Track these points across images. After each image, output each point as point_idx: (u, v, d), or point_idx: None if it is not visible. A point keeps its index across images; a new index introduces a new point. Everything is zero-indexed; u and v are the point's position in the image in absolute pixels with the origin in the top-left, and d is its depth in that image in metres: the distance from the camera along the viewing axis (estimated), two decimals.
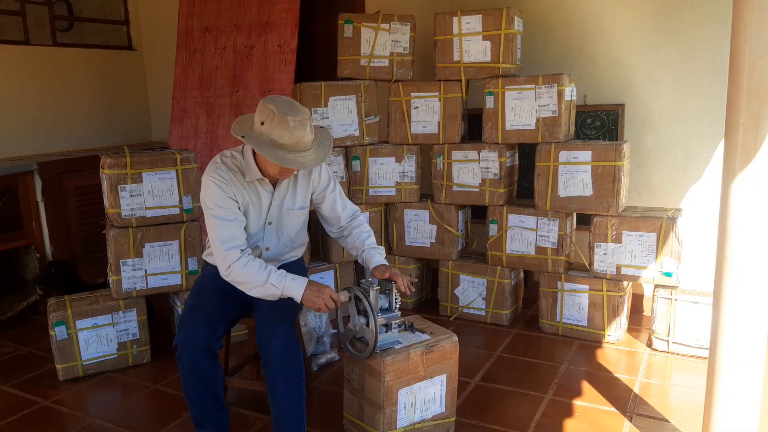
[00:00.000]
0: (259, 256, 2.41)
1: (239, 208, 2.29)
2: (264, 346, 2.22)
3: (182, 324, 2.27)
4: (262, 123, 2.12)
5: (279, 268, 2.38)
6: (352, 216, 2.57)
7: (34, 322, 3.88)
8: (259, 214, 2.37)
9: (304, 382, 2.27)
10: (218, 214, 2.23)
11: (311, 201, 2.50)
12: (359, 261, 2.51)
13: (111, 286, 3.16)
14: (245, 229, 2.32)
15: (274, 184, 2.36)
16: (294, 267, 2.55)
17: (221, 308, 2.34)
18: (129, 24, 5.36)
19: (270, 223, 2.41)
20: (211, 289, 2.40)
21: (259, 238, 2.42)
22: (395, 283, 2.35)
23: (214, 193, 2.23)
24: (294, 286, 2.19)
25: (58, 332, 3.03)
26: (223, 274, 2.24)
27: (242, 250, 2.23)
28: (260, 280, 2.18)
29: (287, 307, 2.31)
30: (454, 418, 2.50)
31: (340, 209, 2.54)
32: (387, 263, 2.43)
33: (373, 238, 2.54)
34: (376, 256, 2.45)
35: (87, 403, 2.90)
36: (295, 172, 2.36)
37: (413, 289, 2.38)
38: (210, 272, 2.49)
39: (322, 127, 2.42)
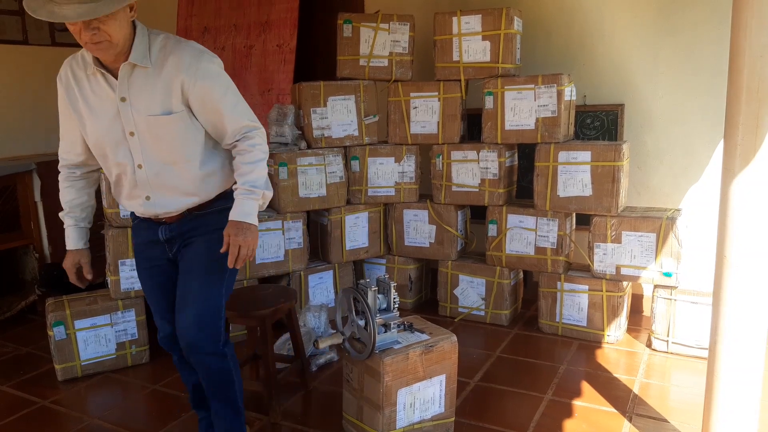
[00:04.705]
0: (134, 184, 2.01)
1: (74, 115, 2.00)
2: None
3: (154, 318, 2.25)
4: None
5: (192, 211, 2.05)
6: (243, 134, 1.98)
7: (32, 323, 3.88)
8: (109, 119, 1.93)
9: (224, 372, 2.09)
10: (60, 122, 2.08)
11: (190, 109, 1.94)
12: None
13: (109, 286, 3.16)
14: (98, 138, 1.98)
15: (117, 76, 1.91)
16: (211, 220, 2.06)
17: (162, 298, 2.16)
18: None
19: (132, 134, 1.94)
20: (145, 278, 2.20)
21: (126, 151, 1.97)
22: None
23: (58, 97, 2.04)
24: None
25: (56, 332, 3.02)
26: None
27: (67, 168, 2.13)
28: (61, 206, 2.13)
29: (201, 287, 2.04)
30: (453, 419, 2.50)
31: (227, 124, 1.96)
32: (240, 220, 1.92)
33: (253, 175, 1.96)
34: (233, 208, 1.95)
35: (86, 404, 2.89)
36: (140, 65, 1.87)
37: (240, 265, 1.94)
38: (135, 249, 2.23)
39: None
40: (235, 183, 1.99)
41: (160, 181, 2.00)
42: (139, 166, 1.98)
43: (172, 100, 1.90)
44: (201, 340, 2.01)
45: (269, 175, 3.56)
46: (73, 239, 2.11)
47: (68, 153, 2.09)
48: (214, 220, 2.06)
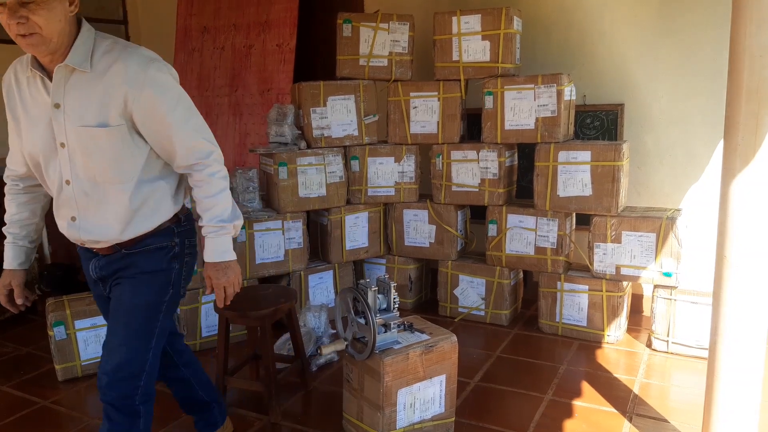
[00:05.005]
0: (61, 202, 1.80)
1: (13, 121, 1.81)
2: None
3: None
4: None
5: (122, 247, 1.81)
6: (198, 159, 1.78)
7: (32, 323, 3.88)
8: (43, 126, 1.73)
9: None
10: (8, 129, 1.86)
11: (133, 124, 1.72)
12: None
13: None
14: (32, 148, 1.77)
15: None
16: (141, 261, 1.82)
17: None
18: (128, 23, 5.35)
19: (62, 145, 1.72)
20: (100, 308, 2.06)
21: (56, 164, 1.76)
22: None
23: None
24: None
25: (56, 332, 3.02)
26: None
27: (11, 179, 1.92)
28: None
29: (125, 338, 1.83)
30: (453, 419, 2.50)
31: (176, 142, 1.74)
32: (217, 261, 1.83)
33: (218, 209, 1.80)
34: (206, 248, 1.84)
35: (86, 404, 2.89)
36: (78, 68, 1.66)
37: (227, 303, 1.90)
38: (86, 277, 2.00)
39: None
40: (200, 218, 1.83)
41: (88, 203, 1.77)
42: (67, 182, 1.75)
43: (110, 111, 1.68)
44: (113, 393, 1.83)
45: (268, 175, 3.58)
46: (8, 258, 1.90)
47: (12, 163, 1.90)
48: (144, 260, 1.84)
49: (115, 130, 1.69)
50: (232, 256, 1.85)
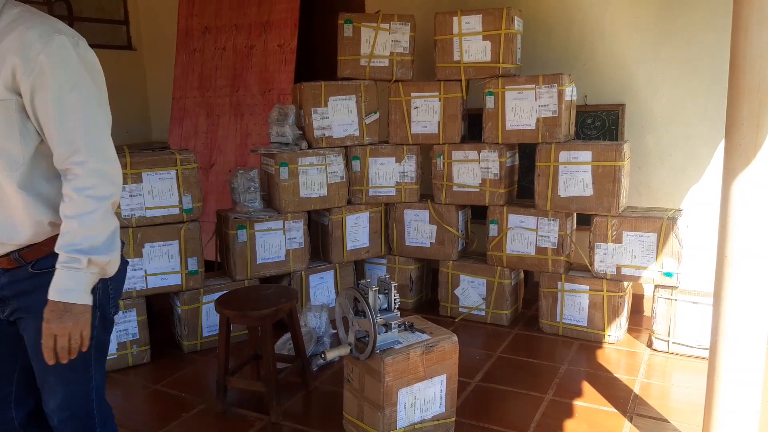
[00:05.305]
0: None
1: None
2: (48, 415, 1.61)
3: None
4: None
5: (25, 260, 1.51)
6: (66, 165, 1.43)
7: None
8: None
9: None
10: None
11: (22, 100, 1.42)
12: None
13: None
14: None
15: None
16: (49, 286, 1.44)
17: None
18: (129, 24, 5.36)
19: None
20: None
21: None
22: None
23: None
24: None
25: None
26: None
27: None
28: None
29: (58, 379, 1.57)
30: (454, 419, 2.50)
31: (55, 137, 1.42)
32: (56, 299, 1.41)
33: (76, 234, 1.41)
34: (53, 280, 1.43)
35: None
36: None
37: (63, 360, 1.46)
38: None
39: None
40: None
41: None
42: None
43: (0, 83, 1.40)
44: (68, 430, 1.62)
45: (270, 175, 3.58)
46: None
47: None
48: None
49: (0, 105, 1.40)
50: (81, 299, 1.43)
